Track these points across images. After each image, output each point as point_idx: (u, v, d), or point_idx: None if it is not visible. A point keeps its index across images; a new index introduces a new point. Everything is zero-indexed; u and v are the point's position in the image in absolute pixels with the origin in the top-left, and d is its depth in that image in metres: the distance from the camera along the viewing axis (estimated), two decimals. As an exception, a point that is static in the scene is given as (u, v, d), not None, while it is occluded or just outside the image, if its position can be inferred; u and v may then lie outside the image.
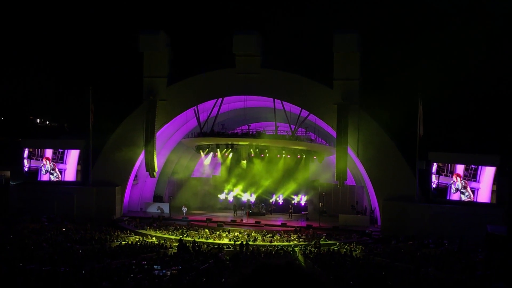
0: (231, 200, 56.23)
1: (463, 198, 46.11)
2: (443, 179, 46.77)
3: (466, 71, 52.95)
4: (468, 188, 45.94)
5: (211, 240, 43.31)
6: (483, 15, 57.88)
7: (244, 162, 54.45)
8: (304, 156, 51.83)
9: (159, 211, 54.28)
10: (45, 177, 53.56)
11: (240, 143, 52.12)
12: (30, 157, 53.61)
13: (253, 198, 55.51)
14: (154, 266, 28.60)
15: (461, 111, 54.97)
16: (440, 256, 35.86)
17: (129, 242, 41.30)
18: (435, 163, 46.93)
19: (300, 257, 38.46)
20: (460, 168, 46.30)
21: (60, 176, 53.56)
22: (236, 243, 41.45)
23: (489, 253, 34.73)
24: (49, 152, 53.68)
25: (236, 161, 55.22)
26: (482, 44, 55.94)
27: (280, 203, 55.51)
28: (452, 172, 46.50)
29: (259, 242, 42.91)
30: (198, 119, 52.54)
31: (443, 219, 45.00)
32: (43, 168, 53.62)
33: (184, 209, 53.31)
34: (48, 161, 53.58)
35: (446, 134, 51.49)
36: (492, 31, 55.82)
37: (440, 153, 47.48)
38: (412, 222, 46.00)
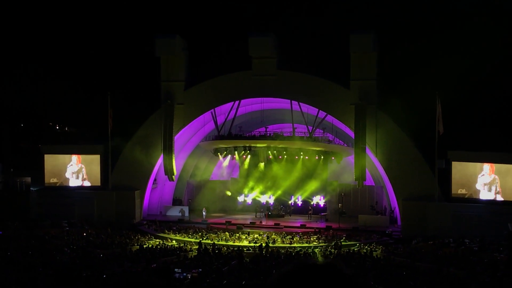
0: (249, 202, 56.25)
1: (490, 196, 45.67)
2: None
3: (486, 68, 52.52)
4: (497, 184, 45.51)
5: (230, 243, 43.37)
6: (502, 12, 57.40)
7: (262, 164, 54.44)
8: (322, 157, 51.69)
9: (180, 213, 54.42)
10: (70, 181, 54.01)
11: (258, 145, 52.11)
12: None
13: (272, 200, 55.47)
14: (175, 269, 28.72)
15: (481, 109, 54.51)
16: (461, 256, 35.63)
17: (149, 245, 41.50)
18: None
19: (320, 258, 38.37)
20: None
21: (86, 179, 53.97)
22: (256, 245, 41.49)
23: (510, 252, 34.42)
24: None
25: (254, 163, 55.21)
26: (502, 41, 55.44)
27: (299, 205, 55.44)
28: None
29: (278, 244, 42.90)
30: (215, 122, 52.66)
31: (464, 218, 44.66)
32: (69, 168, 53.93)
33: (204, 212, 53.39)
34: (77, 160, 53.94)
35: (466, 132, 51.09)
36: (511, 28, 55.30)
37: (459, 152, 47.19)
38: (432, 221, 45.72)
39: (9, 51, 71.63)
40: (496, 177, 45.67)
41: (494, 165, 45.85)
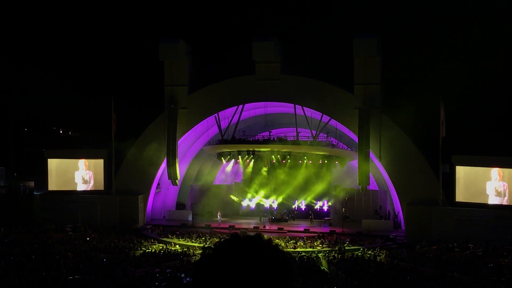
0: (253, 207, 56.18)
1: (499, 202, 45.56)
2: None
3: (490, 72, 52.45)
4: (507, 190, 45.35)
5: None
6: (506, 16, 57.37)
7: (265, 168, 54.38)
8: (326, 161, 51.59)
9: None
10: (79, 186, 54.04)
11: (262, 149, 52.05)
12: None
13: (275, 205, 55.35)
14: (178, 274, 28.66)
15: (485, 113, 54.46)
16: (465, 260, 35.50)
17: (153, 250, 41.45)
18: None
19: (324, 263, 38.32)
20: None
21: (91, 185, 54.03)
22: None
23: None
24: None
25: (257, 167, 55.14)
26: (506, 45, 55.39)
27: (303, 209, 55.32)
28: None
29: (282, 249, 42.73)
30: (219, 126, 52.66)
31: (468, 223, 44.48)
32: (77, 174, 53.94)
33: (219, 215, 53.17)
34: (85, 167, 54.00)
35: (470, 136, 51.03)
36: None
37: (463, 156, 47.04)
38: (436, 226, 45.58)
39: (13, 56, 71.83)
40: (506, 183, 45.43)
41: (502, 171, 45.63)
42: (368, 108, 47.96)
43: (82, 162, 54.05)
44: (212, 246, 2.84)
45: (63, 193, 53.49)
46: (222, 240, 2.82)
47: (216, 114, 52.48)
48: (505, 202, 45.32)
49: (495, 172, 45.76)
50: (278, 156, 52.12)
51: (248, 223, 53.24)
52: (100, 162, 54.00)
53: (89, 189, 54.02)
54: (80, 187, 53.96)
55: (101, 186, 53.85)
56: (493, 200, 45.65)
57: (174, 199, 58.44)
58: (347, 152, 52.22)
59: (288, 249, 42.46)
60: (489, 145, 48.17)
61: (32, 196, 54.96)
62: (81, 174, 54.01)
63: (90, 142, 66.27)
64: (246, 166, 55.28)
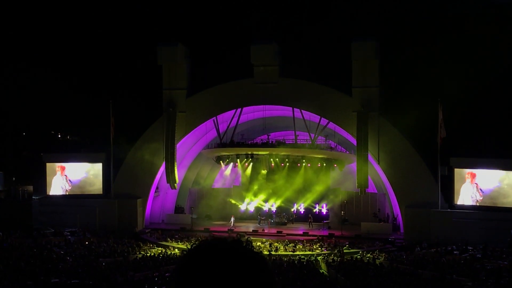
0: (252, 210, 56.15)
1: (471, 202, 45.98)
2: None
3: (488, 75, 52.46)
4: (478, 192, 45.75)
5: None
6: (504, 18, 57.44)
7: (264, 171, 54.38)
8: (324, 164, 51.55)
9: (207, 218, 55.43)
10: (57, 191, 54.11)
11: (260, 152, 52.06)
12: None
13: (274, 208, 55.32)
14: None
15: (484, 116, 54.45)
16: (464, 263, 35.51)
17: (152, 254, 41.43)
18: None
19: (323, 266, 38.32)
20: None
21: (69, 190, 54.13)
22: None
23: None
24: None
25: (256, 171, 55.14)
26: (504, 47, 55.40)
27: (302, 212, 55.27)
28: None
29: (281, 252, 42.78)
30: (217, 130, 52.61)
31: (467, 225, 44.45)
32: (54, 180, 54.07)
33: (233, 219, 52.71)
34: (61, 172, 54.07)
35: (469, 139, 51.00)
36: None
37: (462, 159, 47.09)
38: (435, 228, 45.53)
39: (12, 60, 71.83)
40: (476, 185, 45.93)
41: (475, 173, 45.98)
42: (367, 111, 47.99)
43: (58, 170, 54.24)
44: (183, 254, 2.87)
45: (61, 197, 53.49)
46: (192, 247, 2.83)
47: (214, 118, 52.45)
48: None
49: (467, 175, 46.24)
50: (277, 159, 52.10)
51: (247, 227, 53.16)
52: (98, 166, 54.01)
53: (66, 193, 54.15)
54: (58, 192, 54.13)
55: (99, 190, 53.83)
56: (489, 202, 45.94)
57: (173, 202, 58.38)
58: (346, 155, 52.21)
59: (287, 252, 42.47)
60: (487, 147, 48.14)
61: (30, 200, 54.89)
62: (57, 179, 54.11)
63: (89, 146, 66.14)
64: (244, 169, 55.30)
